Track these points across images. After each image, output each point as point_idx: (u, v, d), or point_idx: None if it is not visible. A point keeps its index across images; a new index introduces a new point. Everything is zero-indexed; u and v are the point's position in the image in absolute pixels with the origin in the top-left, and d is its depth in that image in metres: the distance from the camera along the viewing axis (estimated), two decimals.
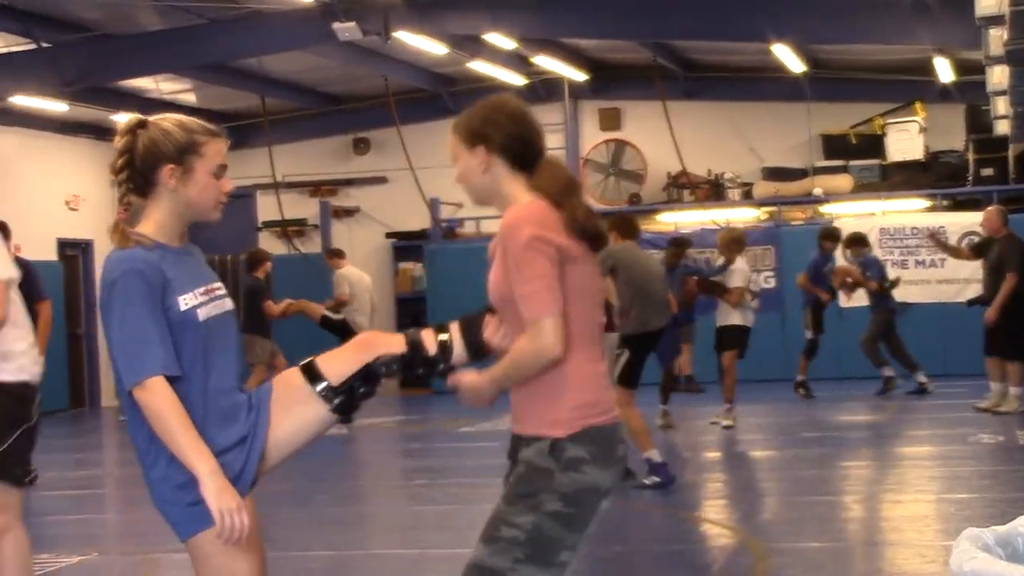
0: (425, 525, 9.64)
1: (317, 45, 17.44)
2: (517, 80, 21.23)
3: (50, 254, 20.84)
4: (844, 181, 20.59)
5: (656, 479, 10.15)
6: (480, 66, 19.99)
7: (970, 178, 19.97)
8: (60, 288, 20.52)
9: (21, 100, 18.61)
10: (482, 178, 3.98)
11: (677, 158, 20.89)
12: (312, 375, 3.89)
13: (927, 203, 20.36)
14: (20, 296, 5.99)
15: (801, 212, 21.05)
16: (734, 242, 14.07)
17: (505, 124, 3.95)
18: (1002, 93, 13.77)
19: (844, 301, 17.16)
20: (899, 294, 17.14)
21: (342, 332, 15.26)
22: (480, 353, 3.99)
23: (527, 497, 3.80)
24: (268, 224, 23.04)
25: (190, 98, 21.77)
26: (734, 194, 21.02)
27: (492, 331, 3.95)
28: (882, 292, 16.40)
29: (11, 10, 15.41)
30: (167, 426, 3.65)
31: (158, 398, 3.67)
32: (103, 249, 20.93)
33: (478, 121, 3.97)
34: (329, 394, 3.88)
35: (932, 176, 20.37)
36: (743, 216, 21.13)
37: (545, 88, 22.12)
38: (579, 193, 4.00)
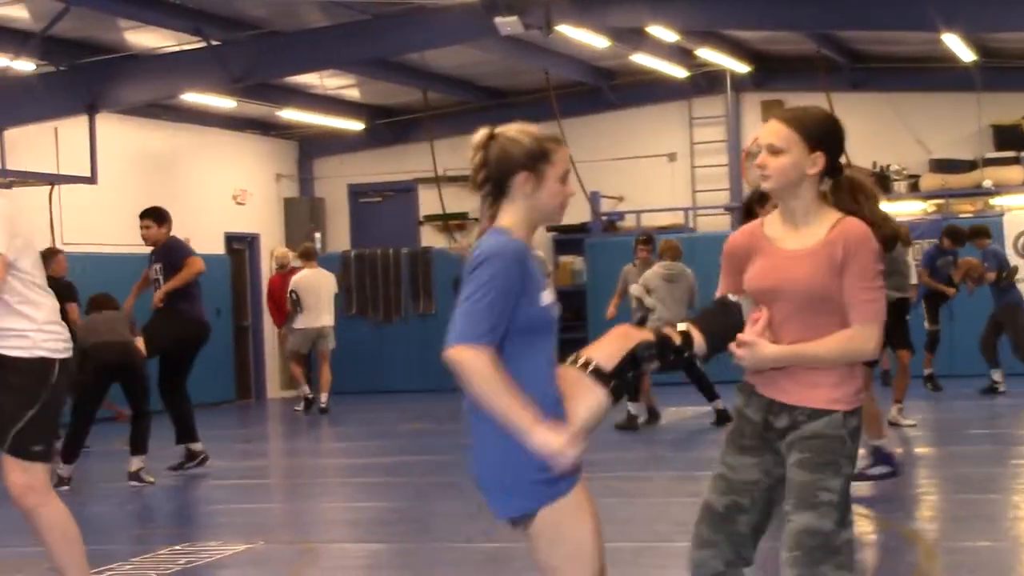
0: None
1: (479, 39, 17.52)
2: (679, 72, 21.10)
3: (218, 248, 21.28)
4: (1016, 173, 20.08)
5: (885, 468, 9.83)
6: (641, 59, 19.90)
7: None
8: (228, 281, 20.95)
9: (190, 97, 19.03)
10: (804, 178, 4.35)
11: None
12: (586, 365, 4.06)
13: None
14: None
15: (970, 205, 20.58)
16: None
17: (839, 142, 4.41)
18: None
19: (969, 293, 16.77)
20: None
21: None
22: (719, 349, 4.34)
23: (831, 464, 4.26)
24: (430, 218, 23.23)
25: (354, 93, 22.04)
26: (900, 186, 20.63)
27: (761, 327, 4.31)
28: (999, 283, 15.95)
29: (183, 9, 15.77)
30: (489, 387, 3.87)
31: (482, 360, 3.86)
32: (268, 243, 21.48)
33: (822, 130, 4.37)
34: (605, 380, 4.06)
35: None
36: (909, 209, 20.73)
37: (707, 80, 21.95)
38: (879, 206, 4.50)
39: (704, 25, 18.45)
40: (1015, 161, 20.17)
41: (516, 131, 4.21)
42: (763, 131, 4.45)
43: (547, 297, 4.07)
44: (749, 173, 21.89)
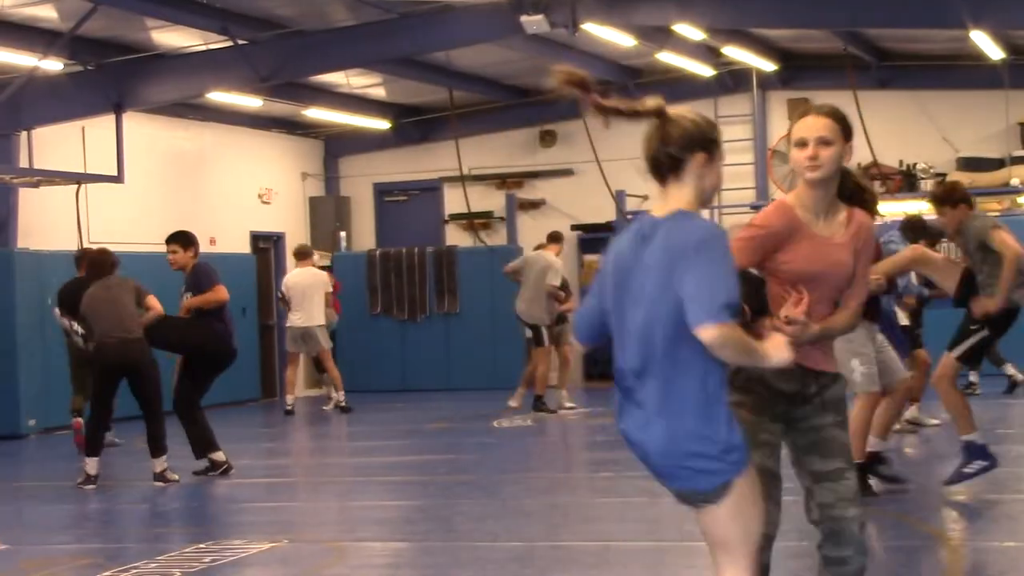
0: (611, 517, 9.62)
1: (505, 38, 17.52)
2: (705, 71, 21.06)
3: (243, 247, 21.33)
4: None
5: (981, 463, 9.65)
6: (668, 57, 19.87)
7: None
8: (253, 280, 20.99)
9: (217, 96, 19.08)
10: (839, 169, 4.88)
11: (868, 149, 20.50)
12: None
13: None
14: None
15: (998, 203, 20.47)
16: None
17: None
18: None
19: None
20: None
21: None
22: (759, 315, 4.62)
23: (844, 423, 4.92)
24: (455, 216, 23.24)
25: (380, 92, 22.06)
26: (927, 185, 20.53)
27: (800, 307, 4.62)
28: None
29: (211, 8, 15.80)
30: (746, 346, 4.20)
31: (736, 331, 4.16)
32: (293, 241, 21.46)
33: (849, 125, 4.92)
34: None
35: None
36: None
37: (733, 78, 21.90)
38: None
39: (730, 23, 18.40)
40: None
41: (691, 114, 4.41)
42: (808, 125, 4.86)
43: None
44: (775, 171, 21.85)
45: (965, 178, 20.08)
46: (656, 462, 4.31)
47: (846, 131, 4.86)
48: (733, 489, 4.22)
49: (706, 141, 4.33)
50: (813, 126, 4.82)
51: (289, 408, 18.18)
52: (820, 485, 4.81)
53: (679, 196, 4.33)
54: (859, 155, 20.81)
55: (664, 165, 4.33)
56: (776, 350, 4.28)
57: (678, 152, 4.30)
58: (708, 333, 4.09)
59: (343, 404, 18.19)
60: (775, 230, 4.82)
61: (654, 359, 4.22)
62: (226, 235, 20.80)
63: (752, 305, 4.57)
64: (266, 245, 22.28)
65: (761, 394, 4.79)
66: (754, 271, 4.78)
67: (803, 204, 4.87)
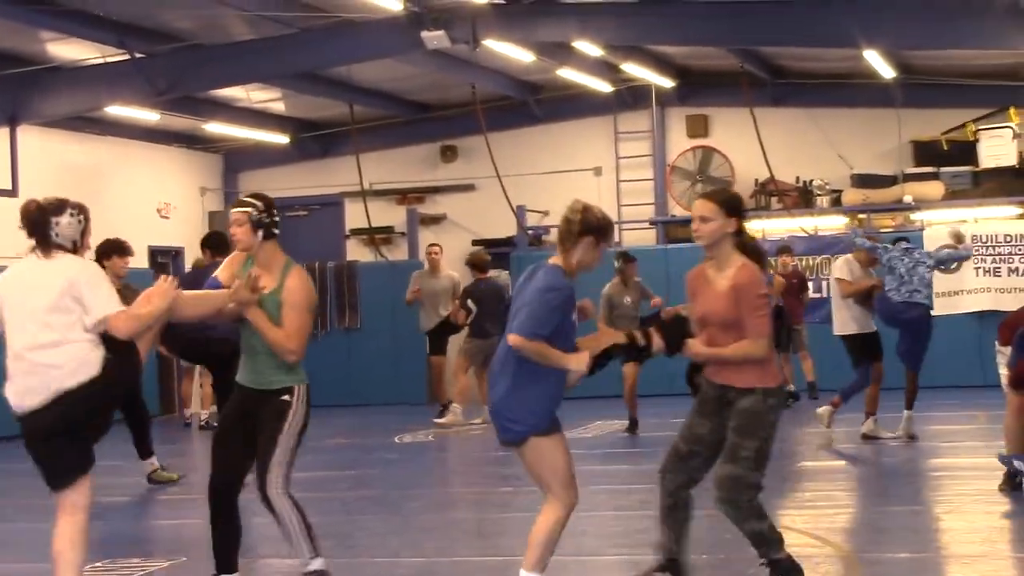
0: (511, 532, 9.64)
1: (405, 53, 17.53)
2: (604, 87, 21.21)
3: (142, 262, 21.10)
4: (935, 188, 20.35)
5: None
6: (568, 73, 19.99)
7: None
8: None
9: (114, 110, 18.88)
10: (723, 238, 6.59)
11: (765, 165, 20.76)
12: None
13: (1020, 210, 20.07)
14: None
15: (891, 219, 20.82)
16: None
17: (743, 212, 6.71)
18: None
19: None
20: (990, 301, 16.89)
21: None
22: (676, 350, 6.57)
23: (750, 429, 6.46)
24: (356, 232, 23.19)
25: (279, 107, 21.97)
26: (823, 201, 20.83)
27: (701, 342, 6.63)
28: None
29: (107, 21, 15.64)
30: (545, 353, 6.30)
31: (538, 345, 6.31)
32: (192, 256, 21.21)
33: (738, 202, 6.71)
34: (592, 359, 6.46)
35: None
36: (832, 223, 20.95)
37: (632, 95, 22.07)
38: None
39: (629, 40, 18.56)
40: (934, 176, 20.43)
41: (596, 209, 6.51)
42: (696, 206, 6.74)
43: (574, 315, 6.45)
44: (674, 187, 22.04)
45: (859, 195, 20.45)
46: (491, 418, 6.65)
47: (729, 208, 6.60)
48: (529, 443, 6.43)
49: (599, 231, 6.42)
50: (698, 207, 6.67)
51: (188, 422, 17.98)
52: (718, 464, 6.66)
53: (565, 257, 6.46)
54: (756, 171, 21.09)
55: (566, 236, 6.46)
56: (575, 362, 6.35)
57: (580, 231, 6.43)
58: (512, 339, 6.34)
59: (203, 423, 17.82)
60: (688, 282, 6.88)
61: (507, 352, 6.45)
62: None
63: (671, 337, 6.56)
64: (164, 260, 22.08)
65: (701, 395, 6.79)
66: (683, 312, 6.86)
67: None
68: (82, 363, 6.43)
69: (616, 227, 21.86)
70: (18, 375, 6.50)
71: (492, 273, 17.77)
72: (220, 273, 7.24)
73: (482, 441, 16.02)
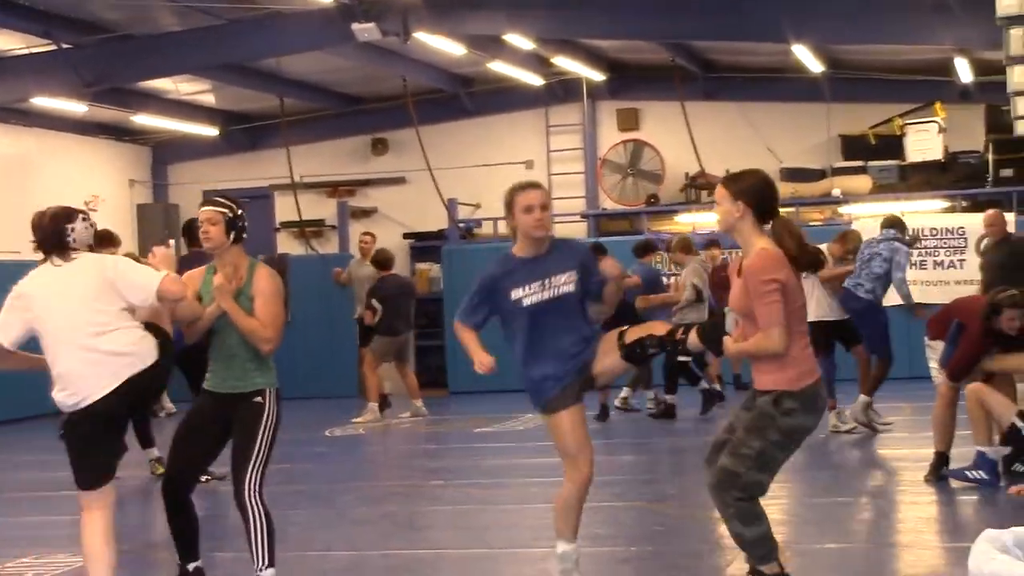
0: (442, 525, 9.65)
1: (336, 46, 17.47)
2: (535, 80, 21.23)
3: None
4: (863, 182, 20.54)
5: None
6: (499, 66, 20.00)
7: (989, 179, 19.90)
8: None
9: (41, 101, 18.67)
10: (738, 223, 6.22)
11: (695, 158, 20.88)
12: (620, 336, 6.63)
13: (946, 204, 20.29)
14: None
15: (819, 213, 21.00)
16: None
17: (754, 197, 6.24)
18: (1022, 94, 13.71)
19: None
20: (917, 294, 16.97)
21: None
22: (717, 349, 6.38)
23: (757, 429, 6.16)
24: (286, 224, 23.08)
25: (208, 99, 21.82)
26: None
27: (737, 334, 6.31)
28: None
29: (32, 11, 15.47)
30: (462, 339, 6.81)
31: (457, 328, 6.84)
32: (121, 250, 20.98)
33: (747, 185, 6.26)
34: (623, 349, 6.59)
35: (951, 177, 20.30)
36: None
37: (563, 88, 22.12)
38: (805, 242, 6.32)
39: (560, 33, 18.59)
40: (862, 171, 20.61)
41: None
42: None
43: (520, 292, 6.61)
44: (605, 180, 22.10)
45: (788, 188, 20.59)
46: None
47: (737, 192, 6.21)
48: (557, 412, 6.68)
49: (506, 204, 6.74)
50: (716, 191, 6.36)
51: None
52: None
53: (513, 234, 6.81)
54: (687, 165, 21.21)
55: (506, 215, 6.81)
56: (476, 358, 6.65)
57: (506, 210, 6.78)
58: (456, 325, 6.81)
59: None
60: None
61: None
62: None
63: (709, 336, 6.39)
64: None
65: (749, 392, 6.40)
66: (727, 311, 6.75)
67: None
68: (148, 350, 6.53)
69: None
70: (84, 365, 6.43)
71: (424, 267, 17.76)
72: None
73: (412, 435, 16.01)
